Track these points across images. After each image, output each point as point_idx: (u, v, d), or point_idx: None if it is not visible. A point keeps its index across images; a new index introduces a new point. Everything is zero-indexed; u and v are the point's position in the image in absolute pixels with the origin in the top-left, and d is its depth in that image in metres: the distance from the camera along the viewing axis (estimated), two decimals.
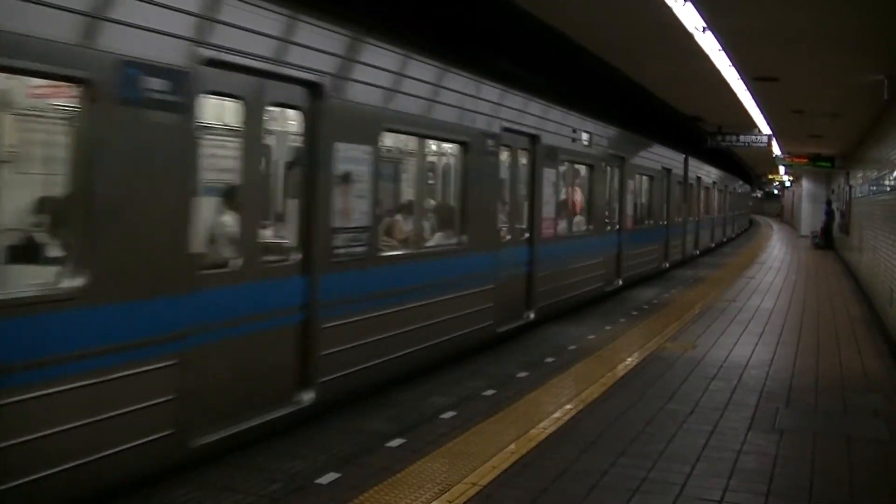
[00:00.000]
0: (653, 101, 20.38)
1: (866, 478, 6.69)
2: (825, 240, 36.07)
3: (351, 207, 7.98)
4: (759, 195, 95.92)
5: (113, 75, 5.34)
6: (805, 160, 32.45)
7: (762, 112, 20.33)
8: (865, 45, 11.37)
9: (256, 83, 6.82)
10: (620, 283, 18.39)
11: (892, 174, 14.95)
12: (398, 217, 10.11)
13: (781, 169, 47.81)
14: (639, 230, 20.43)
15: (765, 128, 24.24)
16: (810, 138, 25.34)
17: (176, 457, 6.02)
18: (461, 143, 10.62)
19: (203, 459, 6.29)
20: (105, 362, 5.35)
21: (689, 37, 11.68)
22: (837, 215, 33.38)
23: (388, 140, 9.26)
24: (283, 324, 7.21)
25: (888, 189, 15.57)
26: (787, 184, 59.78)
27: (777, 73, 14.06)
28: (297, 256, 7.40)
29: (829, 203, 36.89)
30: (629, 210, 19.23)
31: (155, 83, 5.70)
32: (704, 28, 11.17)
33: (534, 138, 12.82)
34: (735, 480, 6.44)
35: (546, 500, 5.90)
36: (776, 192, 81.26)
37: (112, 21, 5.37)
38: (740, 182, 47.40)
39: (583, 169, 16.12)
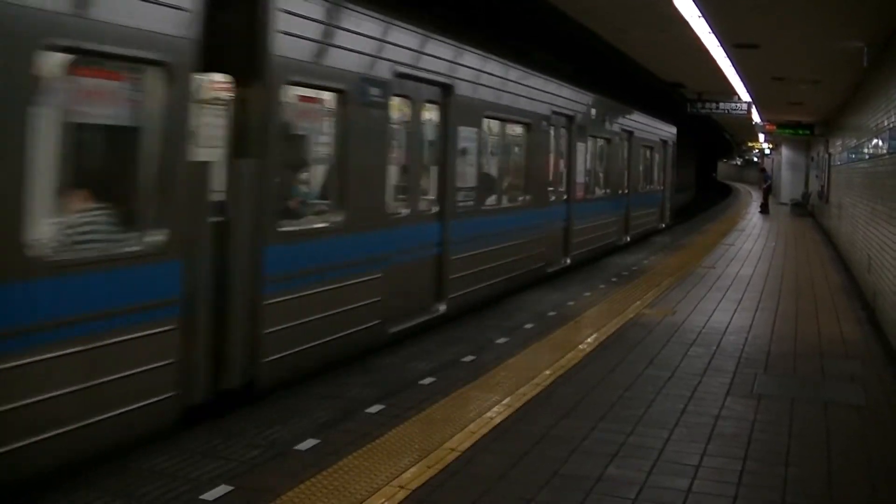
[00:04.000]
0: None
1: (843, 443, 6.74)
2: (763, 206, 38.23)
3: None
4: (738, 163, 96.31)
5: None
6: (774, 128, 32.80)
7: (742, 79, 20.31)
8: (845, 12, 11.34)
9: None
10: (393, 331, 9.71)
11: (870, 142, 14.99)
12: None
13: (761, 136, 47.87)
14: (480, 215, 12.16)
15: (745, 95, 24.24)
16: (790, 105, 25.35)
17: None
18: None
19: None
20: None
21: (669, 3, 11.63)
22: (816, 185, 34.03)
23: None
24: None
25: (867, 157, 15.62)
26: (767, 151, 59.83)
27: (757, 40, 14.02)
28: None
29: (763, 171, 44.85)
30: (427, 183, 10.91)
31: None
32: None
33: None
34: (713, 445, 6.48)
35: (525, 464, 5.92)
36: (755, 159, 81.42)
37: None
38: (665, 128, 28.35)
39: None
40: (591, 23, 14.70)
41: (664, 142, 27.54)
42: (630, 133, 21.94)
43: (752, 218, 34.99)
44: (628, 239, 22.22)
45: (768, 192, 40.25)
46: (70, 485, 5.45)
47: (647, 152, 25.01)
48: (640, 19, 13.75)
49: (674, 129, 29.35)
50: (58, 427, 5.36)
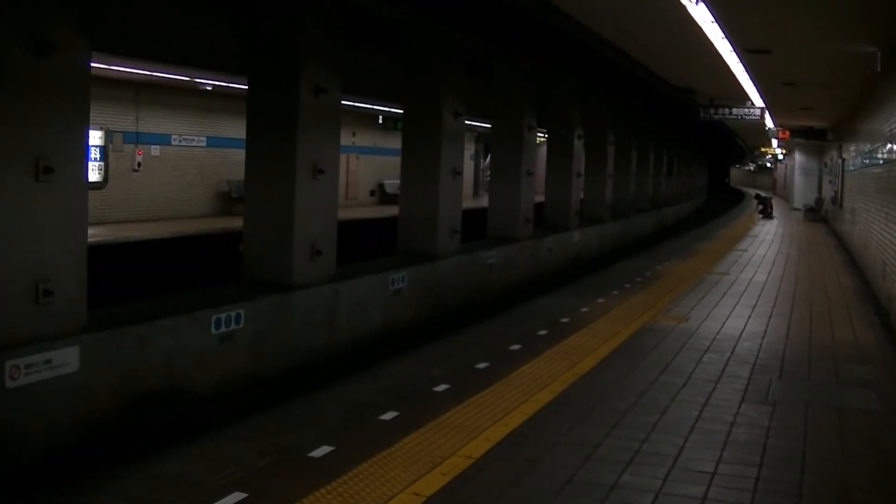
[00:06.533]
0: None
1: (858, 448, 6.70)
2: (764, 210, 39.43)
3: None
4: (751, 168, 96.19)
5: None
6: (787, 136, 32.86)
7: (755, 84, 20.25)
8: (858, 17, 11.31)
9: None
10: None
11: (884, 147, 14.93)
12: None
13: (774, 142, 47.78)
14: None
15: (758, 100, 24.16)
16: (801, 111, 25.30)
17: None
18: None
19: None
20: None
21: (682, 8, 11.60)
22: (829, 190, 34.26)
23: None
24: None
25: (881, 162, 15.56)
26: (780, 157, 59.74)
27: (769, 46, 13.99)
28: None
29: (758, 196, 51.04)
30: None
31: None
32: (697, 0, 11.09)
33: None
34: (728, 452, 6.45)
35: (539, 471, 5.90)
36: (769, 164, 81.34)
37: None
38: None
39: None
40: (602, 28, 14.67)
41: None
42: None
43: (765, 224, 34.89)
44: None
45: (765, 208, 40.63)
46: (78, 489, 5.46)
47: None
48: (652, 24, 13.70)
49: None
50: None
